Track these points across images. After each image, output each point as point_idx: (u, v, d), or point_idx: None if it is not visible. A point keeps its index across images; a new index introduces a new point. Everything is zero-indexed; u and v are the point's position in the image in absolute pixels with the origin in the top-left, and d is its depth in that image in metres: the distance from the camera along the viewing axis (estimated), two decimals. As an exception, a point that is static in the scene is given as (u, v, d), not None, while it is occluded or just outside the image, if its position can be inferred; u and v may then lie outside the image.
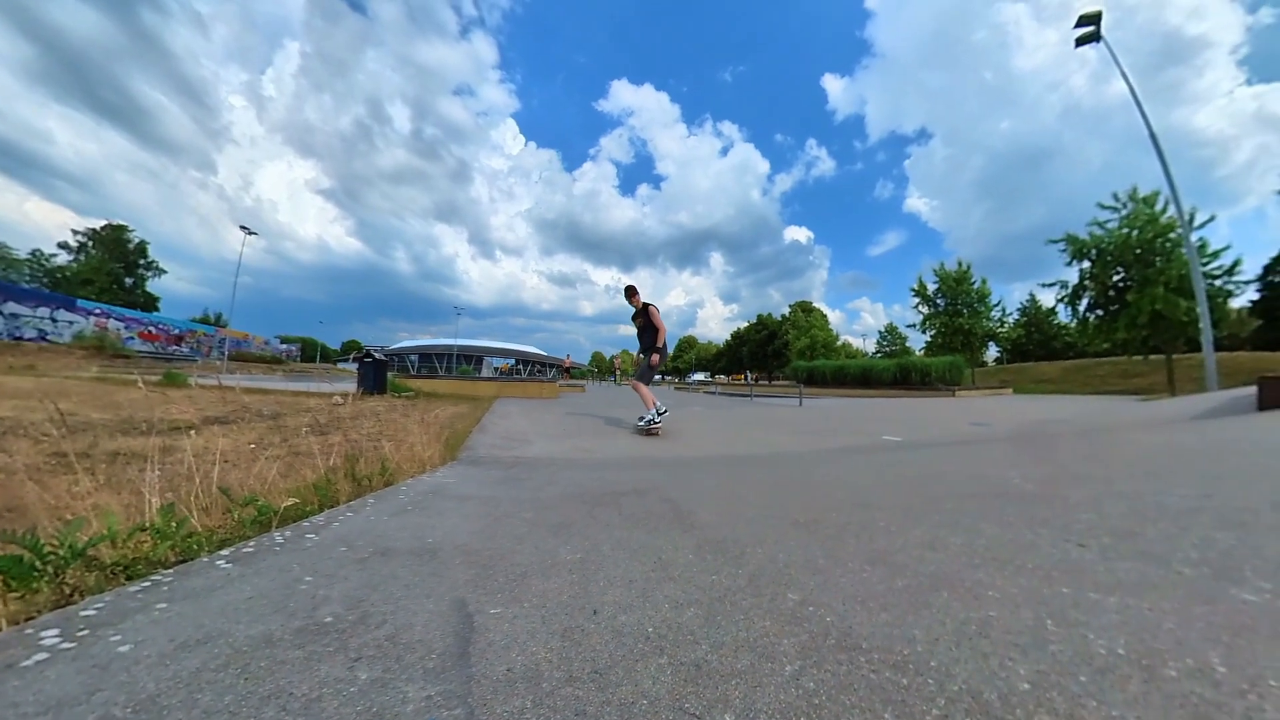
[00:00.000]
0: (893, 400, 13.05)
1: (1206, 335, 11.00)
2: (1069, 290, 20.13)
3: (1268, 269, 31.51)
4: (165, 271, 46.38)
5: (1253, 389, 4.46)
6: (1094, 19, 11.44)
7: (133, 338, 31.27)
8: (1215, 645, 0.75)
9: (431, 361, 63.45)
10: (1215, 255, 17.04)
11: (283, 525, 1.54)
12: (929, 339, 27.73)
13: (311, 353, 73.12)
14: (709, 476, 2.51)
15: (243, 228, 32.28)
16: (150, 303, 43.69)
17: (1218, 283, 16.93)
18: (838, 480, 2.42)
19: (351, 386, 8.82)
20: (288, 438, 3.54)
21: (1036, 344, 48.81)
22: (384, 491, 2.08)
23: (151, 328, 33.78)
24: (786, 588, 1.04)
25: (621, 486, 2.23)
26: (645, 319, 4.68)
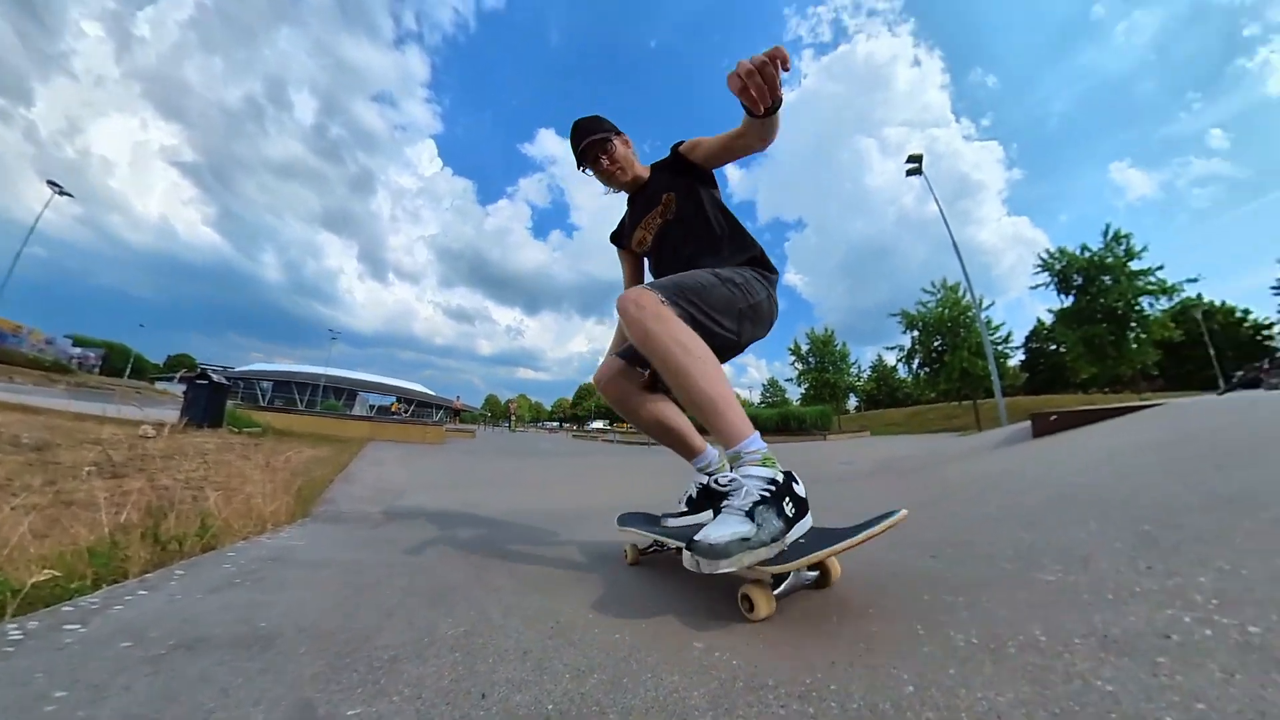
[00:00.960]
0: (775, 445, 14.31)
1: (996, 385, 15.11)
2: (905, 352, 27.39)
3: (1027, 339, 45.19)
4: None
5: (1028, 423, 5.78)
6: (918, 159, 16.09)
7: None
8: (1035, 620, 0.91)
9: (290, 391, 53.79)
10: (997, 329, 24.69)
11: (27, 611, 1.11)
12: (804, 391, 33.29)
13: (120, 363, 56.29)
14: (611, 528, 2.44)
15: (51, 183, 25.20)
16: None
17: (1000, 347, 24.00)
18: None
19: (173, 414, 6.97)
20: (57, 479, 2.66)
21: (885, 394, 59.51)
22: (202, 559, 1.64)
23: None
24: (691, 637, 1.01)
25: (512, 545, 2.05)
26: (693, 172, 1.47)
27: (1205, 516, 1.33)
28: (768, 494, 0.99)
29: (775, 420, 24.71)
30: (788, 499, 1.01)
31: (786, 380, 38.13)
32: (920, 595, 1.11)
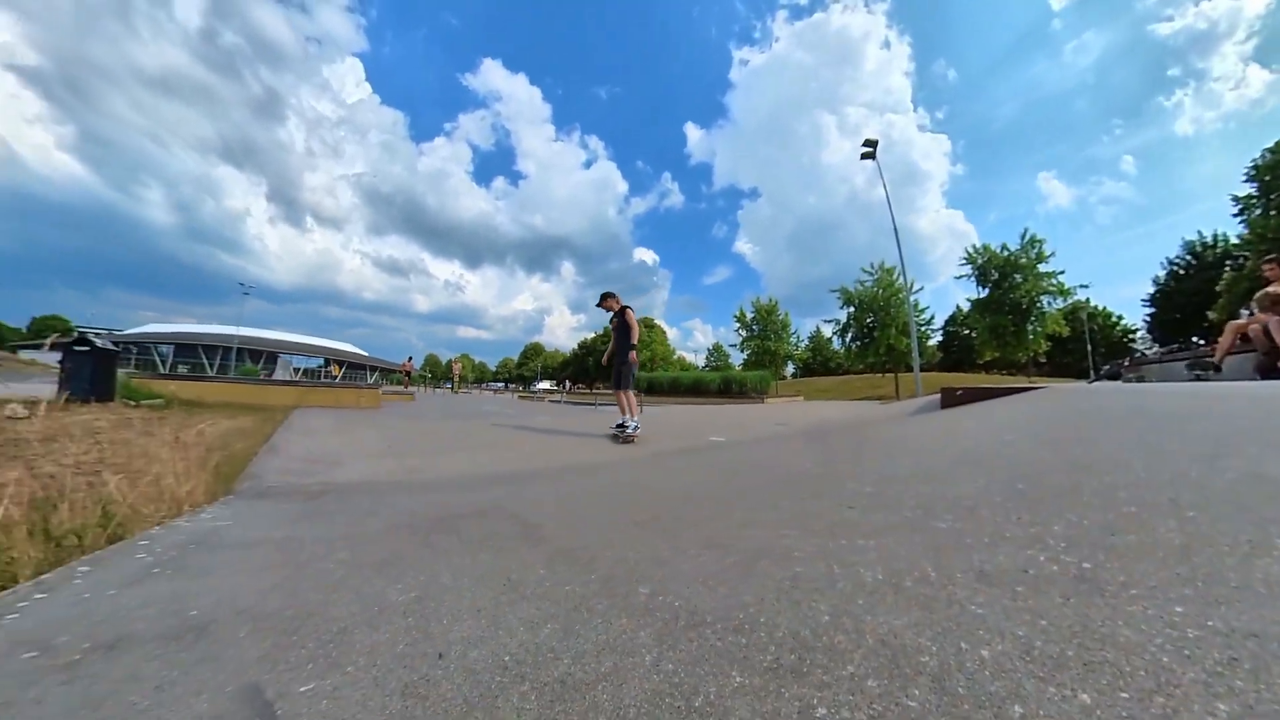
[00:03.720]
0: (717, 407, 14.94)
1: (915, 361, 16.66)
2: (841, 326, 28.84)
3: (947, 323, 50.81)
4: None
5: (938, 395, 6.45)
6: (873, 144, 16.37)
7: None
8: (928, 558, 1.07)
9: (196, 355, 48.07)
10: (922, 311, 27.43)
11: None
12: (746, 357, 35.01)
13: None
14: (552, 487, 2.49)
15: None
16: None
17: (923, 328, 26.58)
18: (672, 478, 2.66)
19: (48, 388, 5.99)
20: None
21: (819, 363, 64.04)
22: (108, 552, 1.51)
23: None
24: (637, 583, 1.11)
25: (459, 508, 2.05)
26: (621, 320, 4.80)
27: (1064, 478, 1.60)
28: (630, 425, 4.46)
29: (718, 383, 25.90)
30: (626, 425, 4.45)
31: (730, 346, 39.79)
32: (838, 540, 1.27)
